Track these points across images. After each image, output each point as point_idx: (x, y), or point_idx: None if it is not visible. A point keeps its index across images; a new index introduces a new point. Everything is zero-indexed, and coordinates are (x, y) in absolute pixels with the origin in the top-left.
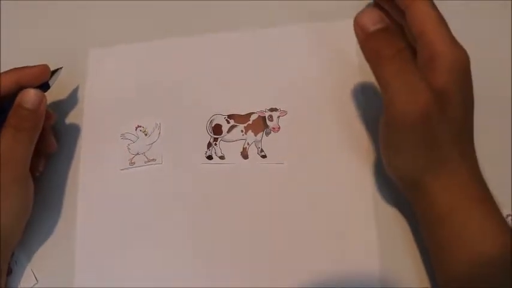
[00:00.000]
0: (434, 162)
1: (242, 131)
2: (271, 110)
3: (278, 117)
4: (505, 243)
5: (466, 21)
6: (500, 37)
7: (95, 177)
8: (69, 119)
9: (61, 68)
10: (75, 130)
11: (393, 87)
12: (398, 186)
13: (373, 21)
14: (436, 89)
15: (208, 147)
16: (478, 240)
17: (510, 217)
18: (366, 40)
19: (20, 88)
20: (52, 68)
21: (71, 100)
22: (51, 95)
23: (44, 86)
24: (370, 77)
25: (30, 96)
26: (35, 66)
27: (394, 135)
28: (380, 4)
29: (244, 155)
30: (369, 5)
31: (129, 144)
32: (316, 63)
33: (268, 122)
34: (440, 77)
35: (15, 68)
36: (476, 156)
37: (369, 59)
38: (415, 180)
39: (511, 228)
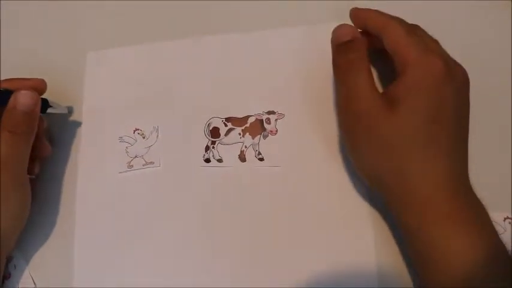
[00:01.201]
0: (388, 166)
1: (240, 134)
2: (269, 112)
3: (276, 120)
4: (475, 258)
5: (467, 21)
6: (500, 37)
7: (93, 181)
8: (67, 122)
9: (69, 112)
10: (73, 133)
11: (337, 90)
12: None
13: (342, 35)
14: (391, 95)
15: (206, 150)
16: (448, 259)
17: (508, 220)
18: (332, 49)
19: None
20: (49, 76)
21: (69, 103)
22: (51, 98)
23: (42, 108)
24: None
25: (24, 98)
26: (31, 79)
27: (344, 135)
28: None
29: (242, 158)
30: None
31: (127, 147)
32: (313, 66)
33: (265, 125)
34: (398, 86)
35: (11, 78)
36: (453, 164)
37: (332, 66)
38: (381, 184)
39: (493, 236)
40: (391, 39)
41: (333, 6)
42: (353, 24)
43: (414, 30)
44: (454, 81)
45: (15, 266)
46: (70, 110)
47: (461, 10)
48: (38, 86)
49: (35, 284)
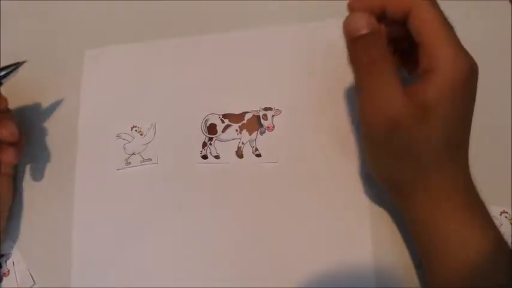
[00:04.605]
0: (414, 173)
1: (237, 130)
2: (266, 109)
3: (272, 116)
4: (487, 249)
5: (466, 21)
6: (500, 37)
7: (91, 178)
8: (65, 120)
9: (22, 62)
10: (70, 131)
11: (363, 96)
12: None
13: (359, 26)
14: (422, 100)
15: (203, 147)
16: (460, 249)
17: (504, 214)
18: (349, 43)
19: None
20: (48, 74)
21: (67, 101)
22: (48, 96)
23: None
24: None
25: None
26: None
27: (367, 144)
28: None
29: (239, 154)
30: None
31: (124, 145)
32: (310, 63)
33: (262, 121)
34: (430, 91)
35: None
36: (466, 163)
37: (349, 62)
38: (397, 187)
39: (496, 231)
40: (420, 26)
41: (328, 4)
42: (365, 7)
43: (446, 18)
44: (476, 81)
45: (13, 263)
46: (22, 62)
47: (461, 10)
48: None
49: (33, 281)
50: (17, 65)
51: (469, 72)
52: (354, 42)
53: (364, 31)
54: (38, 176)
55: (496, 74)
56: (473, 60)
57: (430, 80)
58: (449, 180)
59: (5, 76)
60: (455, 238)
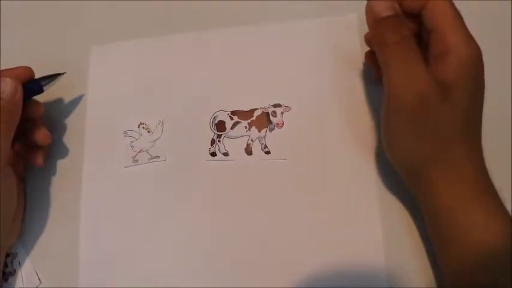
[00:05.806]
0: (435, 151)
1: (246, 127)
2: (275, 105)
3: (282, 113)
4: (507, 233)
5: (466, 21)
6: (500, 37)
7: (98, 176)
8: (72, 117)
9: (62, 73)
10: (78, 128)
11: (393, 72)
12: (402, 177)
13: (384, 8)
14: (442, 79)
15: (212, 144)
16: (481, 232)
17: None
18: (375, 25)
19: None
20: (53, 71)
21: (74, 98)
22: (54, 93)
23: (37, 89)
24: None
25: (5, 85)
26: (15, 68)
27: (393, 121)
28: None
29: (248, 151)
30: None
31: (132, 142)
32: (319, 59)
33: (271, 118)
34: (449, 69)
35: None
36: (481, 150)
37: (375, 43)
38: (416, 170)
39: (507, 217)
40: (434, 14)
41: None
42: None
43: (457, 10)
44: (483, 64)
45: (19, 263)
46: (62, 73)
47: (461, 10)
48: (22, 74)
49: (40, 280)
50: (57, 75)
51: (479, 55)
52: (381, 23)
53: (390, 13)
54: (44, 174)
55: (496, 73)
56: (479, 46)
57: (446, 60)
58: (466, 161)
59: (46, 84)
60: (476, 220)
